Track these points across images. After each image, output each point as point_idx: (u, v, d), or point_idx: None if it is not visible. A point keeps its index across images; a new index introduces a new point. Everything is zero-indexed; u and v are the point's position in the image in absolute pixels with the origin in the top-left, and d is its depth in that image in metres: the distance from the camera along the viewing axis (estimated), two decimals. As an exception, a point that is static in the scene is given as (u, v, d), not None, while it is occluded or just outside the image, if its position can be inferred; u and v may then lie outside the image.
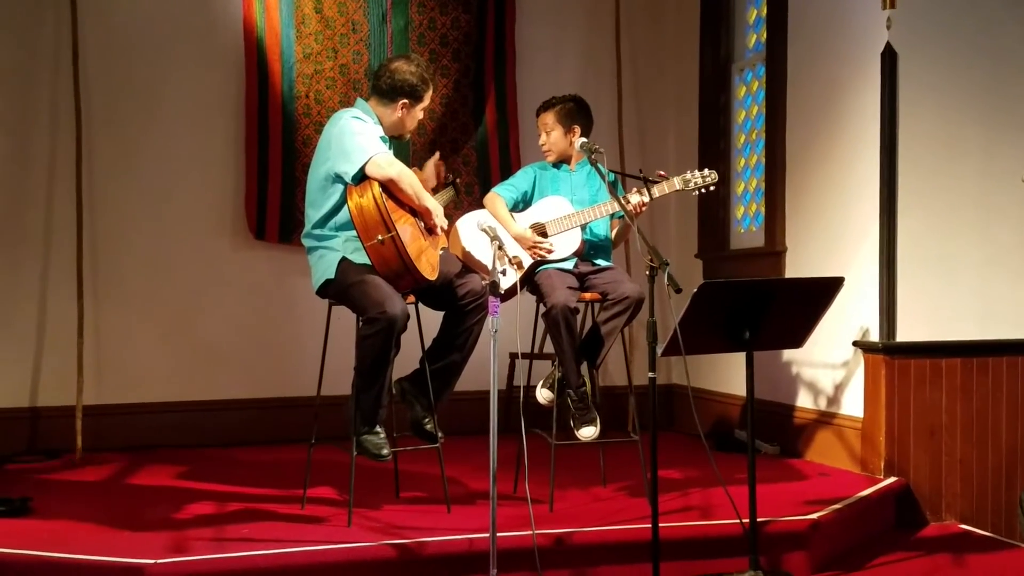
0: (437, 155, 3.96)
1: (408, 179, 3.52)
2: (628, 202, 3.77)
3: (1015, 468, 4.25)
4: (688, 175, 3.90)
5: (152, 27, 5.09)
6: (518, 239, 3.93)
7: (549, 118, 4.04)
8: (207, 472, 4.37)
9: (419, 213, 3.61)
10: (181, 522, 3.47)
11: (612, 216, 4.04)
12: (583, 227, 3.96)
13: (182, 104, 5.13)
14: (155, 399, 5.06)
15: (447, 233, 3.84)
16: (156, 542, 3.14)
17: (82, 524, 3.44)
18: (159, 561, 2.92)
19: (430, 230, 3.64)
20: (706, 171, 3.93)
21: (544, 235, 3.94)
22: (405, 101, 3.66)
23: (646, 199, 3.82)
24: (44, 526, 3.42)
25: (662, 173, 3.90)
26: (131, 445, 4.93)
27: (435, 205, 3.61)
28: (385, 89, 3.66)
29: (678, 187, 3.89)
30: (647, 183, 3.83)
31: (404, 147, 5.07)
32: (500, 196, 4.03)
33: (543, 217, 3.96)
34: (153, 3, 5.10)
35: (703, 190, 3.94)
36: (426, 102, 3.73)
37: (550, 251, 3.90)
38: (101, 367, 4.98)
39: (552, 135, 4.04)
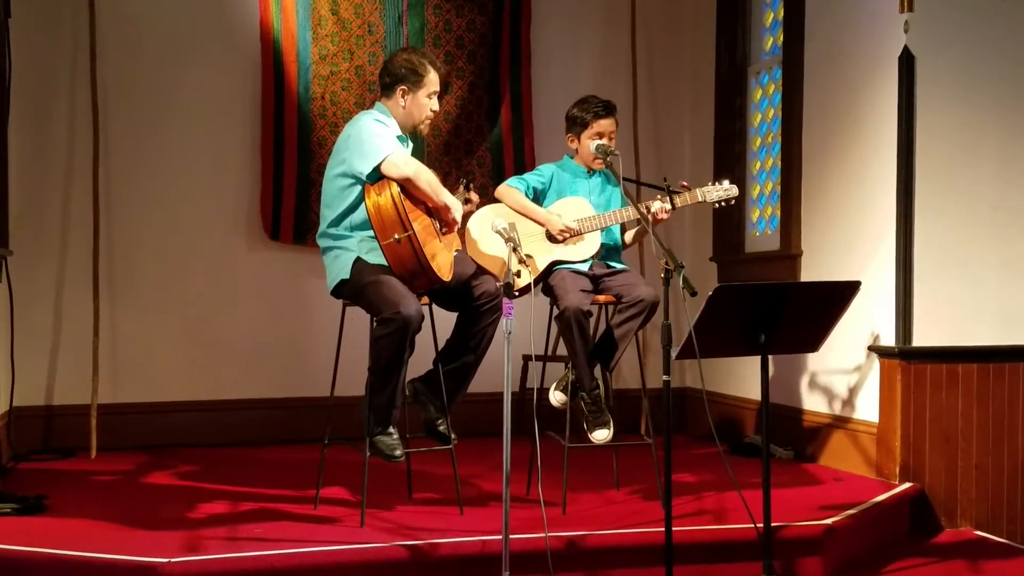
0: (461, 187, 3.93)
1: (425, 176, 3.52)
2: (648, 210, 3.76)
3: (1032, 475, 4.22)
4: (709, 187, 3.90)
5: (169, 28, 5.11)
6: (546, 222, 3.90)
7: (614, 124, 3.96)
8: (221, 472, 4.38)
9: (437, 211, 3.61)
10: (195, 521, 3.48)
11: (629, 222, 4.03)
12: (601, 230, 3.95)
13: (198, 105, 5.15)
14: (170, 398, 5.08)
15: (461, 235, 3.84)
16: (170, 541, 3.15)
17: (96, 523, 3.45)
18: (173, 560, 2.93)
19: (446, 224, 3.63)
20: (727, 184, 3.91)
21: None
22: (403, 87, 3.65)
23: (668, 207, 3.81)
24: (59, 524, 3.43)
25: (685, 184, 3.89)
26: (145, 444, 4.95)
27: (454, 201, 3.61)
28: (387, 82, 3.68)
29: (699, 199, 3.88)
30: (670, 193, 3.82)
31: (418, 148, 5.08)
32: (515, 187, 4.02)
33: (564, 216, 3.94)
34: (170, 4, 5.12)
35: (723, 203, 3.92)
36: (429, 87, 3.66)
37: (577, 236, 3.88)
38: (116, 366, 5.00)
39: (614, 141, 3.97)
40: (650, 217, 3.73)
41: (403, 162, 3.49)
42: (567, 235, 3.87)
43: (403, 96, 3.66)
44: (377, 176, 3.49)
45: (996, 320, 4.24)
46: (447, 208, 3.58)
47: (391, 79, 3.67)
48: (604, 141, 3.91)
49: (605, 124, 3.94)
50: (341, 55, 5.27)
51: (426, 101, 3.68)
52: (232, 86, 5.19)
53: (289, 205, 5.20)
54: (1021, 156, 4.26)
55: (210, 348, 5.15)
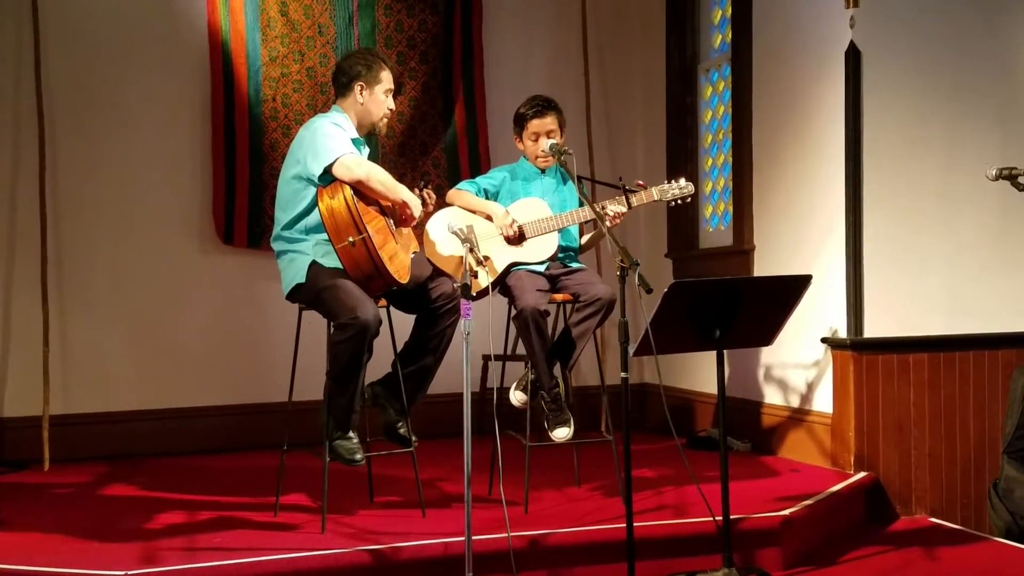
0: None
1: (378, 176, 3.50)
2: (605, 211, 3.77)
3: (983, 461, 4.30)
4: (665, 186, 3.91)
5: (116, 31, 5.03)
6: (494, 215, 3.88)
7: (556, 122, 3.95)
8: (177, 481, 4.33)
9: (395, 207, 3.59)
10: (152, 532, 3.43)
11: (586, 223, 4.04)
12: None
13: (147, 108, 5.08)
14: (123, 408, 5.00)
15: (418, 238, 3.83)
16: (127, 553, 3.10)
17: (51, 536, 3.39)
18: (130, 572, 2.88)
19: (404, 219, 3.61)
20: (683, 182, 3.93)
21: (522, 236, 3.92)
22: (361, 83, 3.65)
23: (623, 209, 3.82)
24: (12, 538, 3.36)
25: (641, 183, 3.91)
26: (100, 455, 4.87)
27: (411, 196, 3.59)
28: (344, 82, 3.67)
29: (656, 197, 3.90)
30: (626, 192, 3.83)
31: (374, 151, 5.05)
32: (465, 190, 4.01)
33: (521, 218, 3.94)
34: (116, 7, 5.04)
35: (679, 201, 3.94)
36: (385, 83, 3.68)
37: (517, 239, 3.88)
38: (68, 376, 4.92)
39: (559, 139, 3.95)
40: (607, 220, 3.74)
41: (355, 164, 3.47)
42: (511, 231, 3.86)
43: (361, 92, 3.65)
44: (329, 179, 3.47)
45: (946, 309, 4.32)
46: (404, 204, 3.57)
47: (347, 78, 3.66)
48: (550, 140, 3.90)
49: (537, 124, 3.93)
50: (292, 56, 5.22)
51: (383, 98, 3.69)
52: (181, 88, 5.12)
53: (242, 209, 5.14)
54: (967, 146, 4.34)
55: (164, 355, 5.08)
